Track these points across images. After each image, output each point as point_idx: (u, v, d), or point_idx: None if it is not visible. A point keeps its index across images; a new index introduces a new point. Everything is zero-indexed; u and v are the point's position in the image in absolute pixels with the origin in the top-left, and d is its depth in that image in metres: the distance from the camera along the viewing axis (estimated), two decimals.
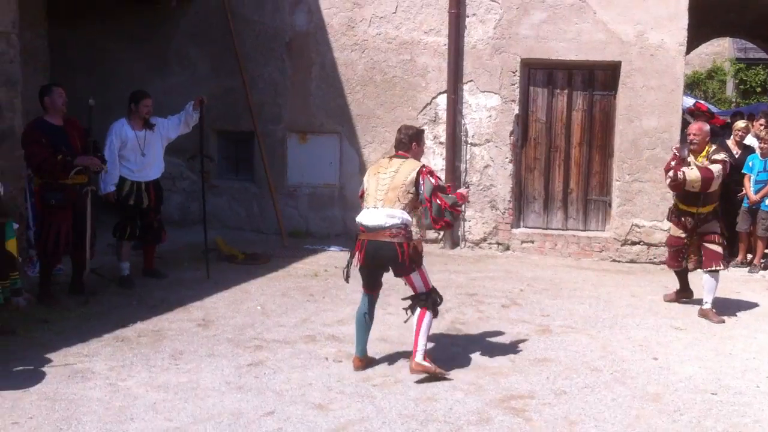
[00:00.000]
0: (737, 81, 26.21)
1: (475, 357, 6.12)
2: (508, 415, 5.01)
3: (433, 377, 5.53)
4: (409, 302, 5.85)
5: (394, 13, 10.56)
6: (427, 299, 5.69)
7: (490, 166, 10.47)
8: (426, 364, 5.54)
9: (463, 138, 10.51)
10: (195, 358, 5.92)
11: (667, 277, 9.17)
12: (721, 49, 26.65)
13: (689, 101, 13.37)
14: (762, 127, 10.29)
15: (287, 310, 7.31)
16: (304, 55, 10.93)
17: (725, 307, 7.92)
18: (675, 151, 7.75)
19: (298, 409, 4.99)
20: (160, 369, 5.66)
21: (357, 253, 5.62)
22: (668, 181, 7.46)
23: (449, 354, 6.16)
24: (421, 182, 5.54)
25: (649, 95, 9.97)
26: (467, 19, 10.35)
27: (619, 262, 10.08)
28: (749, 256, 10.09)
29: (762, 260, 9.92)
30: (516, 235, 10.52)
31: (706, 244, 7.51)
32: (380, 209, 5.53)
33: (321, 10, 10.76)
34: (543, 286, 8.66)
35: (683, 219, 7.62)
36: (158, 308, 7.20)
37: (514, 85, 10.34)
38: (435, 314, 5.76)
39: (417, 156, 5.80)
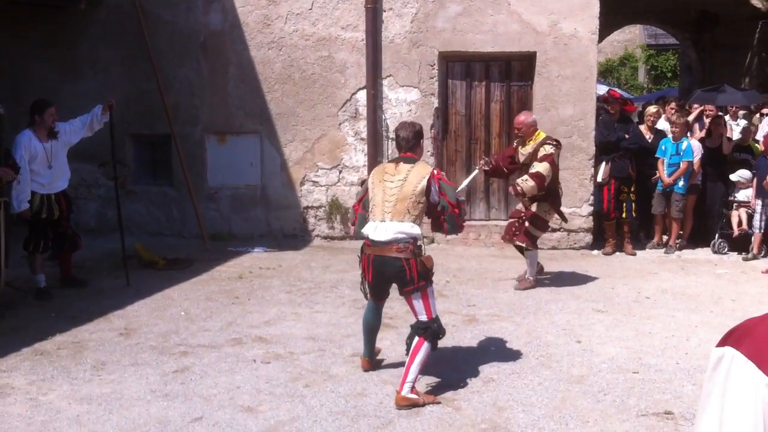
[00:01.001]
0: (648, 67, 27.02)
1: (404, 350, 6.11)
2: (438, 405, 5.03)
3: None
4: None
5: (310, 9, 10.50)
6: (426, 329, 5.16)
7: None
8: (412, 396, 5.02)
9: (384, 133, 10.52)
10: (118, 368, 5.77)
11: (588, 262, 9.40)
12: (632, 36, 27.42)
13: (603, 89, 13.71)
14: (673, 111, 10.63)
15: (212, 314, 7.19)
16: (220, 54, 10.77)
17: (643, 289, 8.15)
18: (482, 165, 8.27)
19: (226, 413, 4.91)
20: (82, 381, 5.49)
21: (364, 268, 5.26)
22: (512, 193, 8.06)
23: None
24: (436, 188, 5.17)
25: (564, 84, 10.17)
26: (384, 14, 10.37)
27: (541, 249, 10.23)
28: (665, 238, 10.41)
29: (677, 241, 10.24)
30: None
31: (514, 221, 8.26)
32: (388, 223, 5.11)
33: (236, 9, 10.60)
34: (468, 276, 8.75)
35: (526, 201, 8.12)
36: (78, 319, 6.98)
37: (432, 78, 10.40)
38: (434, 347, 5.23)
39: (420, 155, 5.46)
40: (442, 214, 5.27)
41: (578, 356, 6.00)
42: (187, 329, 6.72)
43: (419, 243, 5.17)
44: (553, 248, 10.26)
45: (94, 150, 8.62)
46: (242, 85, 10.75)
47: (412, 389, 5.04)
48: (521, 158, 8.07)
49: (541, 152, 7.85)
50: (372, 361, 5.73)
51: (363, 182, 5.71)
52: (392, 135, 10.36)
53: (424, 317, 5.19)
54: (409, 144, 5.34)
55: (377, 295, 5.50)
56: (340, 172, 10.68)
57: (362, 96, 10.49)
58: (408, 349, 5.23)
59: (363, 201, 5.45)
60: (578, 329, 6.70)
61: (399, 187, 5.13)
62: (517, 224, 8.17)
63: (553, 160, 7.87)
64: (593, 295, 7.89)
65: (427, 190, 5.15)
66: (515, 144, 8.29)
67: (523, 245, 8.18)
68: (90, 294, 7.90)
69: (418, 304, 5.18)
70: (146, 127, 10.85)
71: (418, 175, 5.16)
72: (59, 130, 7.84)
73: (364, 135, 10.51)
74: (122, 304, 7.49)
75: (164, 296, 7.84)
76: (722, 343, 1.43)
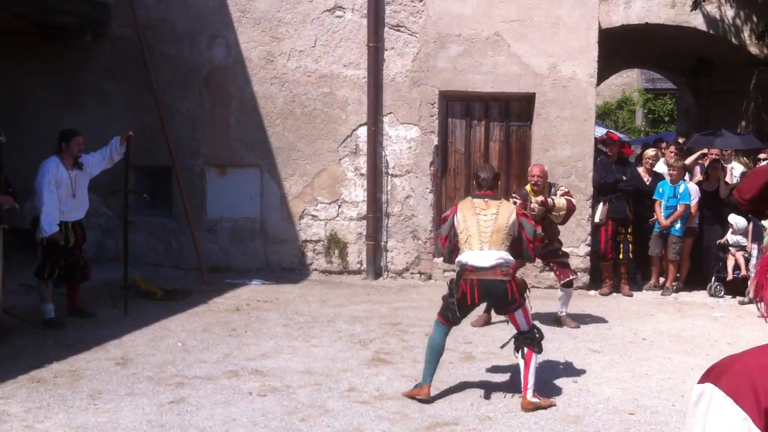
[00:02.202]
0: (646, 111, 27.27)
1: (401, 386, 6.12)
2: (553, 407, 5.06)
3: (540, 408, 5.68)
4: (511, 342, 6.00)
5: (313, 47, 10.64)
6: (532, 338, 5.84)
7: (411, 197, 10.59)
8: (536, 400, 5.67)
9: (384, 169, 10.61)
10: (114, 397, 5.75)
11: (584, 303, 9.42)
12: (630, 80, 27.71)
13: (600, 131, 13.85)
14: (672, 155, 10.73)
15: (209, 346, 7.19)
16: (222, 88, 10.89)
17: (640, 330, 8.17)
18: (515, 197, 8.21)
19: None
20: (78, 409, 5.48)
21: (465, 292, 5.70)
22: (534, 206, 7.98)
23: (375, 384, 6.15)
24: (520, 224, 5.92)
25: (563, 125, 10.28)
26: (386, 53, 10.51)
27: (538, 288, 10.28)
28: (662, 280, 10.44)
29: (674, 283, 10.28)
30: (438, 264, 10.62)
31: (556, 260, 8.32)
32: (487, 251, 5.74)
33: (239, 45, 10.75)
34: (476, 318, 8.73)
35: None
36: (74, 347, 6.98)
37: (432, 116, 10.52)
38: (540, 350, 5.88)
39: (498, 193, 6.18)
40: (520, 246, 5.99)
41: (574, 396, 6.00)
42: (183, 360, 6.71)
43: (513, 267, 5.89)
44: (550, 287, 10.27)
45: (97, 180, 8.65)
46: (244, 119, 10.85)
47: (534, 393, 5.68)
48: (534, 208, 8.00)
49: (560, 191, 8.25)
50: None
51: (445, 218, 6.17)
52: (392, 171, 10.54)
53: (525, 327, 5.87)
54: (489, 184, 6.02)
55: (457, 320, 5.95)
56: (339, 206, 10.74)
57: (363, 132, 10.58)
58: (521, 354, 5.82)
59: (449, 236, 5.98)
60: (575, 369, 6.70)
61: (493, 221, 5.82)
62: (557, 262, 8.38)
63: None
64: (590, 335, 7.90)
65: (513, 225, 5.88)
66: (516, 199, 7.94)
67: (574, 277, 8.59)
68: (87, 323, 7.89)
69: (520, 318, 5.86)
70: (148, 158, 10.89)
71: (506, 210, 5.91)
72: (83, 161, 7.93)
73: (364, 170, 10.59)
74: (119, 333, 7.48)
75: (161, 327, 7.84)
76: (703, 379, 1.48)
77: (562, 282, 8.27)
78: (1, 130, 7.37)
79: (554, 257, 8.32)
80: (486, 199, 5.92)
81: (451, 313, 5.83)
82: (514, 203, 7.32)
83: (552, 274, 9.11)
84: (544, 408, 5.66)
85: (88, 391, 5.87)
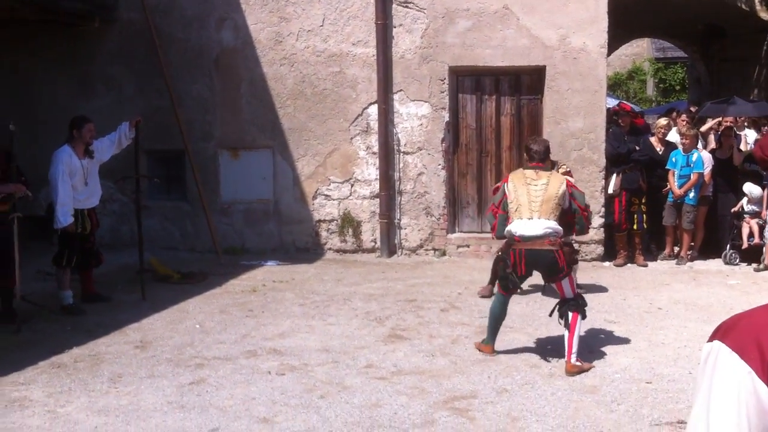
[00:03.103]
0: (657, 80, 27.06)
1: (418, 361, 6.18)
2: (452, 415, 5.07)
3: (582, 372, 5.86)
4: (556, 310, 6.15)
5: (321, 26, 10.61)
6: (578, 304, 6.00)
7: (424, 174, 10.59)
8: (579, 364, 5.87)
9: (396, 147, 10.61)
10: (135, 380, 5.83)
11: (599, 274, 9.43)
12: (640, 50, 27.49)
13: (612, 102, 13.77)
14: (684, 123, 10.67)
15: (226, 327, 7.25)
16: (232, 71, 10.89)
17: (655, 300, 8.17)
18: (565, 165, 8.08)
19: (242, 424, 4.97)
20: (99, 393, 5.55)
21: (514, 261, 5.90)
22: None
23: (392, 360, 6.20)
24: (569, 194, 5.99)
25: (574, 97, 10.23)
26: (394, 30, 10.47)
27: None
28: (676, 249, 10.42)
29: (688, 252, 10.26)
30: (452, 240, 10.66)
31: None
32: (536, 220, 5.85)
33: (248, 26, 10.74)
34: (480, 288, 8.77)
35: None
36: (94, 332, 7.06)
37: (443, 92, 10.49)
38: (584, 316, 6.06)
39: (550, 165, 6.34)
40: (573, 216, 6.07)
41: (591, 366, 6.02)
42: (202, 342, 6.78)
43: (562, 236, 6.00)
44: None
45: (109, 165, 8.70)
46: (254, 101, 10.86)
47: (578, 358, 5.87)
48: None
49: (561, 169, 7.86)
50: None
51: (496, 189, 6.32)
52: (403, 149, 10.53)
53: (571, 295, 6.01)
54: (541, 156, 6.13)
55: (513, 289, 6.18)
56: (352, 185, 10.76)
57: (373, 110, 10.57)
58: (566, 323, 5.96)
59: (502, 203, 6.07)
60: (591, 340, 6.72)
61: (543, 191, 5.90)
62: None
63: None
64: (605, 306, 7.91)
65: (565, 194, 5.96)
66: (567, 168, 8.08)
67: None
68: (105, 308, 7.97)
69: (567, 286, 6.01)
70: (160, 142, 10.94)
71: (557, 181, 5.97)
72: (94, 148, 7.98)
73: (376, 149, 10.59)
74: (138, 317, 7.56)
75: (179, 309, 7.91)
76: (711, 338, 1.52)
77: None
78: (12, 120, 7.42)
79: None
80: (537, 170, 6.02)
81: (511, 282, 6.06)
82: (566, 172, 7.42)
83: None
84: (586, 371, 5.85)
85: (108, 374, 5.95)
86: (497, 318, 6.22)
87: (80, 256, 7.97)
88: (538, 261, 5.91)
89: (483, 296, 8.14)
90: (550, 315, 6.35)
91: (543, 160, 6.13)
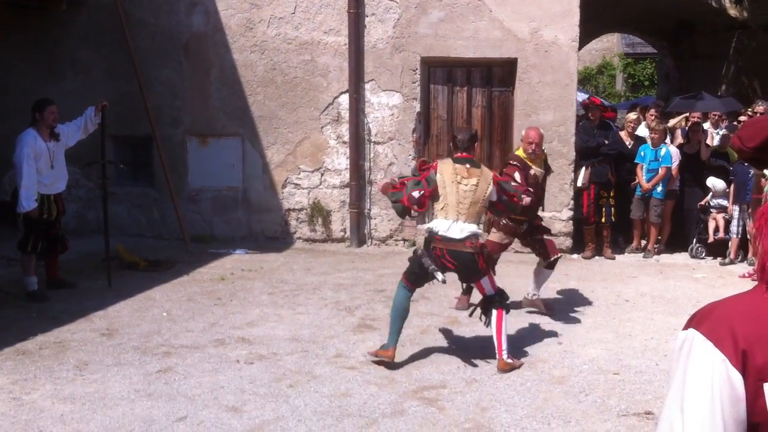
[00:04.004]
0: (626, 75, 27.29)
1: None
2: (422, 405, 5.08)
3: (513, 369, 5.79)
4: (478, 310, 6.08)
5: (293, 13, 10.52)
6: (500, 300, 5.92)
7: (394, 164, 10.57)
8: (511, 361, 5.78)
9: (366, 137, 10.56)
10: (101, 367, 5.75)
11: (567, 266, 9.49)
12: (610, 45, 27.68)
13: (582, 96, 13.85)
14: (653, 118, 10.77)
15: (194, 315, 7.18)
16: (202, 56, 10.76)
17: (623, 292, 8.25)
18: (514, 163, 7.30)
19: (211, 412, 4.92)
20: (65, 380, 5.47)
21: (439, 259, 5.72)
22: (527, 200, 6.26)
23: (362, 350, 6.18)
24: (499, 189, 5.91)
25: (545, 90, 10.27)
26: (366, 19, 10.41)
27: (522, 252, 10.30)
28: (643, 242, 10.53)
29: (655, 245, 10.37)
30: (421, 231, 10.60)
31: (540, 236, 7.36)
32: (460, 223, 5.73)
33: (218, 12, 10.61)
34: (450, 279, 8.76)
35: (519, 226, 7.23)
36: (59, 319, 6.94)
37: (414, 83, 10.46)
38: (508, 310, 5.98)
39: (476, 155, 6.15)
40: (502, 205, 6.04)
41: (559, 357, 6.07)
42: (169, 330, 6.71)
43: (481, 236, 6.00)
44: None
45: (75, 150, 8.54)
46: (224, 88, 10.75)
47: (509, 355, 5.79)
48: (539, 175, 7.32)
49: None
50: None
51: (425, 169, 5.94)
52: (374, 139, 10.50)
53: (492, 292, 5.93)
54: (465, 145, 5.97)
55: (420, 282, 5.99)
56: (322, 175, 10.70)
57: (344, 100, 10.52)
58: (489, 321, 5.91)
59: (432, 193, 5.79)
60: (559, 331, 6.76)
61: (472, 192, 5.78)
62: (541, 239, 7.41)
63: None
64: (573, 298, 7.97)
65: (491, 195, 5.87)
66: (514, 165, 7.19)
67: (560, 256, 7.60)
68: (71, 295, 7.85)
69: (487, 284, 5.94)
70: (127, 128, 10.79)
71: (485, 183, 5.82)
72: (60, 132, 7.83)
73: (347, 138, 10.55)
74: (103, 304, 7.46)
75: (146, 297, 7.82)
76: (686, 326, 1.54)
77: (551, 259, 7.28)
78: None
79: (540, 232, 7.41)
80: (468, 166, 5.82)
81: (429, 278, 5.85)
82: (510, 164, 7.16)
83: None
84: (517, 368, 5.77)
85: (74, 362, 5.86)
86: (402, 315, 5.89)
87: (46, 241, 7.84)
88: (458, 261, 5.74)
89: (459, 309, 7.45)
90: (470, 315, 6.32)
91: (468, 149, 5.95)
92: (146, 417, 4.84)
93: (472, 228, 5.77)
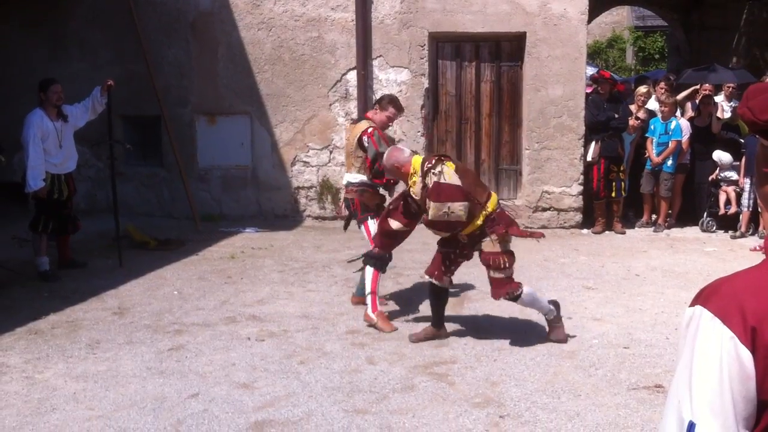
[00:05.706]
0: (636, 49, 27.03)
1: (397, 327, 6.17)
2: (432, 380, 5.09)
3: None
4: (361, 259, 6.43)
5: None
6: (375, 262, 6.13)
7: (403, 140, 10.52)
8: (373, 316, 6.16)
9: None
10: (113, 346, 5.79)
11: (578, 241, 9.47)
12: (620, 18, 27.41)
13: (591, 71, 13.75)
14: (663, 91, 10.67)
15: (205, 294, 7.22)
16: (209, 35, 10.72)
17: (633, 266, 8.23)
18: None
19: (222, 389, 4.95)
20: (77, 359, 5.51)
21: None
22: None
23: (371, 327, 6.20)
24: (366, 144, 6.28)
25: (554, 64, 10.19)
26: None
27: (531, 228, 10.29)
28: (654, 217, 10.49)
29: (666, 219, 10.33)
30: (432, 207, 10.60)
31: (495, 275, 5.73)
32: (347, 174, 6.56)
33: None
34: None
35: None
36: (71, 299, 7.00)
37: (423, 59, 10.40)
38: (382, 270, 6.29)
39: (376, 119, 6.43)
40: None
41: (570, 332, 6.04)
42: (180, 308, 6.74)
43: (363, 188, 6.41)
44: (543, 227, 10.30)
45: (84, 131, 8.56)
46: (232, 66, 10.72)
47: (373, 310, 6.19)
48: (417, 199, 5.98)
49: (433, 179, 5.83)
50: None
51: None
52: None
53: (369, 245, 6.28)
54: (372, 106, 6.88)
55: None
56: (331, 152, 10.69)
57: (352, 76, 10.47)
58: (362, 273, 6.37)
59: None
60: (569, 306, 6.74)
61: (346, 145, 6.63)
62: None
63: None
64: (583, 273, 7.96)
65: (360, 143, 6.27)
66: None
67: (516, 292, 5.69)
68: (82, 274, 7.91)
69: (364, 232, 6.53)
70: (136, 108, 10.80)
71: (356, 131, 6.37)
72: (68, 113, 7.84)
73: (355, 115, 10.49)
74: (115, 284, 7.51)
75: (157, 276, 7.86)
76: (693, 303, 1.51)
77: (496, 299, 5.80)
78: None
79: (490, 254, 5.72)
80: (355, 123, 6.69)
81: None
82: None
83: (543, 214, 9.00)
84: (386, 331, 6.03)
85: (86, 340, 5.91)
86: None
87: (57, 222, 7.88)
88: (347, 206, 6.61)
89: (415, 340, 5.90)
90: (349, 262, 7.03)
91: (367, 112, 6.71)
92: (158, 394, 4.87)
93: (349, 176, 6.45)
